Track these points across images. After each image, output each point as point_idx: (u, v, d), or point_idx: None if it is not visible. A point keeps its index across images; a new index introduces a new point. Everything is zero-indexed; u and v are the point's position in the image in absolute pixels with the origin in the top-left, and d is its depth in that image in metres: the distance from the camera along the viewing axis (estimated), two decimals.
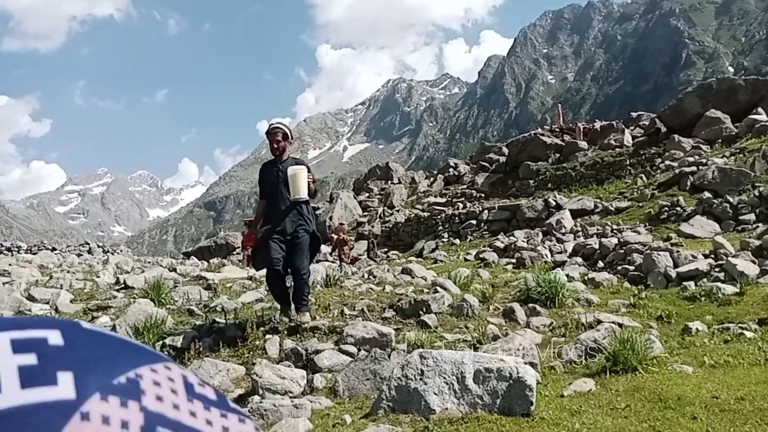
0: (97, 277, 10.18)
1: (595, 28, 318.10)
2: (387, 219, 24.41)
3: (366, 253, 20.12)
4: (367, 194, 31.12)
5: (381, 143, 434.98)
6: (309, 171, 5.09)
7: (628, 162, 19.89)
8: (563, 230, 14.08)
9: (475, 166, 28.87)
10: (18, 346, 0.30)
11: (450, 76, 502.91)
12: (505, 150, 27.11)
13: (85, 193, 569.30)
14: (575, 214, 15.58)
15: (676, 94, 27.91)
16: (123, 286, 8.27)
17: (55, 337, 0.31)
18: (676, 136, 19.27)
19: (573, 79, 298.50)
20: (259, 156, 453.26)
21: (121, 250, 27.28)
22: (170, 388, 0.32)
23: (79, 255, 21.99)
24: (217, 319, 5.68)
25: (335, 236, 14.89)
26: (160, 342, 5.11)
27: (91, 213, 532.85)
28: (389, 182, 32.44)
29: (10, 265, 14.33)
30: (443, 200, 25.07)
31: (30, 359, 0.29)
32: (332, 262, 14.26)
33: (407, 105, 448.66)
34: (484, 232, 17.79)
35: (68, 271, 11.98)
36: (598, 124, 25.67)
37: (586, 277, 7.67)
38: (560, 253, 10.68)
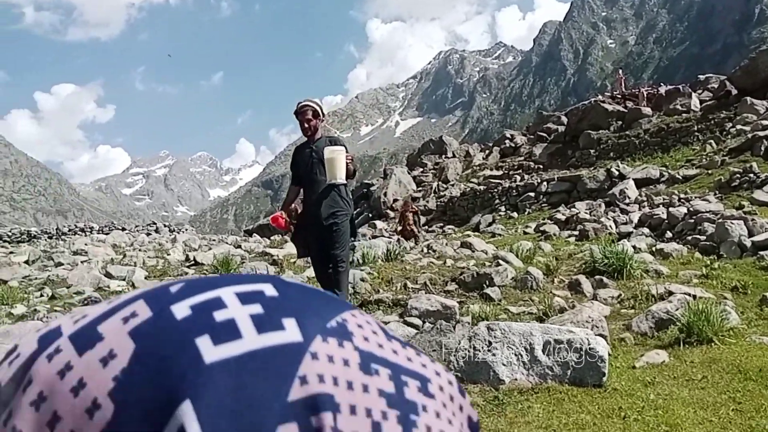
0: (168, 254, 10.66)
1: None
2: (442, 193, 24.30)
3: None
4: (421, 169, 31.00)
5: (433, 117, 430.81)
6: (346, 150, 4.61)
7: (695, 127, 18.96)
8: (627, 201, 13.64)
9: (532, 136, 28.22)
10: (243, 298, 0.33)
11: (504, 45, 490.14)
12: (564, 119, 26.35)
13: (149, 174, 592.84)
14: (639, 183, 15.05)
15: (747, 54, 26.21)
16: (193, 262, 8.63)
17: (270, 290, 0.34)
18: (748, 98, 18.18)
19: (634, 42, 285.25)
20: None
21: (186, 229, 28.34)
22: (371, 330, 0.35)
23: (148, 234, 23.01)
24: None
25: (402, 210, 14.54)
26: None
27: (156, 194, 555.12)
28: (443, 156, 32.19)
29: (86, 245, 15.20)
30: (499, 173, 24.70)
31: (257, 309, 0.32)
32: (390, 237, 14.19)
33: (459, 77, 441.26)
34: (543, 205, 17.46)
35: (140, 250, 12.59)
36: (662, 89, 24.55)
37: (653, 248, 7.43)
38: (625, 224, 10.36)
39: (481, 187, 21.30)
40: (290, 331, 0.32)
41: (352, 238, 5.03)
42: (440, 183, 26.89)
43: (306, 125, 4.61)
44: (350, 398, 0.31)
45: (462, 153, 31.99)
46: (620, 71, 30.72)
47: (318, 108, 4.65)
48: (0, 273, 9.18)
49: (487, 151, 30.59)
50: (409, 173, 29.99)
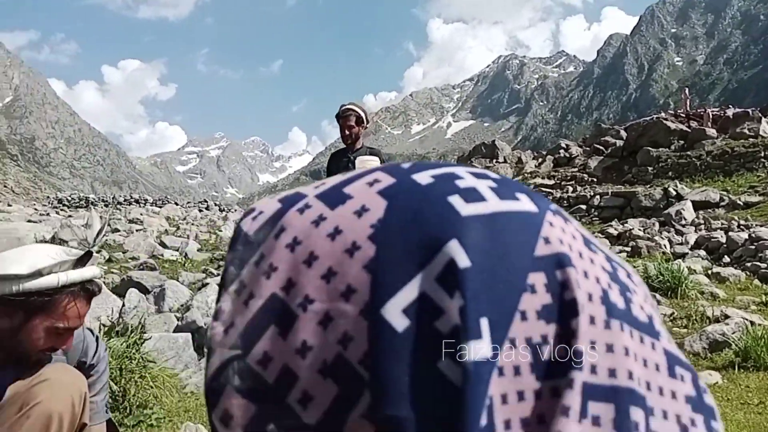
0: (219, 231, 10.97)
1: (733, 6, 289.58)
2: None
3: None
4: None
5: (487, 121, 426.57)
6: (382, 162, 3.96)
7: (762, 154, 18.17)
8: (683, 222, 13.21)
9: (588, 148, 27.63)
10: (476, 175, 0.35)
11: (566, 54, 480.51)
12: (623, 133, 25.68)
13: (203, 154, 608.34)
14: (697, 205, 14.55)
15: None
16: None
17: (492, 174, 0.36)
18: None
19: (703, 62, 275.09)
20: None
21: (235, 210, 29.02)
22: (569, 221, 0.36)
23: (200, 210, 23.68)
24: None
25: None
26: None
27: (207, 174, 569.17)
28: (494, 161, 31.85)
29: (141, 215, 15.79)
30: (551, 182, 24.28)
31: (491, 183, 0.34)
32: None
33: (517, 82, 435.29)
34: (594, 218, 17.10)
35: (193, 224, 12.99)
36: (730, 111, 23.62)
37: (709, 271, 7.20)
38: (681, 244, 10.06)
39: None
40: (525, 203, 0.34)
41: None
42: None
43: (347, 131, 4.16)
44: (583, 264, 0.33)
45: (514, 159, 31.61)
46: (686, 90, 29.67)
47: (362, 114, 4.17)
48: (61, 233, 9.66)
49: (540, 159, 30.13)
50: None
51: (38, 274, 1.35)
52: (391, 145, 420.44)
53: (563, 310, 0.31)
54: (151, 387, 2.86)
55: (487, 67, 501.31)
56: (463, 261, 0.30)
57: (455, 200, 0.32)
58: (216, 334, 0.33)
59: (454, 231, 0.31)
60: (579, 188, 20.71)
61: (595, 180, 22.58)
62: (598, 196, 17.80)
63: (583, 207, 17.79)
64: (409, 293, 0.30)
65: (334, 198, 0.34)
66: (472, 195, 0.33)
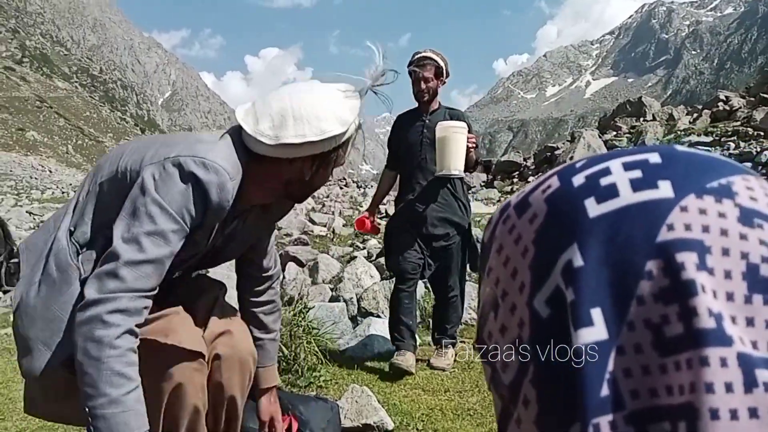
0: (361, 207, 11.49)
1: None
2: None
3: None
4: (615, 133, 28.86)
5: (630, 76, 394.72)
6: (469, 130, 3.18)
7: None
8: None
9: (753, 99, 24.65)
10: (628, 166, 0.39)
11: None
12: None
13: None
14: None
15: None
16: (384, 215, 9.21)
17: (654, 158, 0.39)
18: None
19: None
20: (495, 95, 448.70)
21: (371, 186, 29.99)
22: (764, 193, 0.38)
23: (341, 188, 24.84)
24: None
25: None
26: None
27: None
28: (641, 119, 29.55)
29: None
30: (709, 139, 22.04)
31: (636, 174, 0.38)
32: None
33: (665, 32, 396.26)
34: (763, 176, 15.36)
35: (336, 201, 13.72)
36: None
37: None
38: None
39: None
40: (663, 190, 0.37)
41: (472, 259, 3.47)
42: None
43: (422, 85, 3.20)
44: (724, 242, 0.35)
45: (664, 116, 29.10)
46: None
47: (443, 64, 3.25)
48: None
49: (695, 115, 27.44)
50: (600, 137, 28.17)
51: (344, 124, 1.37)
52: (525, 110, 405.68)
53: (682, 291, 0.34)
54: (316, 352, 3.16)
55: (630, 18, 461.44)
56: (578, 261, 0.37)
57: (589, 203, 0.38)
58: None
59: (578, 234, 0.37)
60: (743, 144, 18.60)
61: (762, 134, 20.12)
62: (766, 152, 15.91)
63: (749, 164, 16.01)
64: (549, 287, 0.38)
65: (521, 207, 0.42)
66: (606, 193, 0.38)
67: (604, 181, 0.38)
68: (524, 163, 29.70)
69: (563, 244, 0.38)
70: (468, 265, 3.46)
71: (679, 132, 25.54)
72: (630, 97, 38.17)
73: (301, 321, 3.27)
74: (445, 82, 3.31)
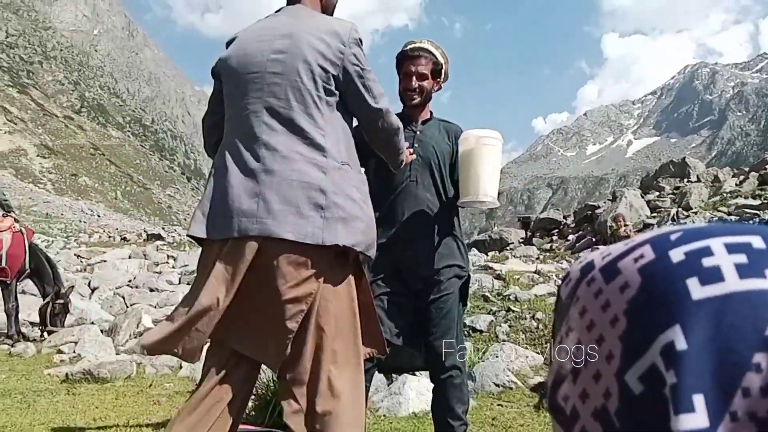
0: None
1: None
2: (682, 222, 21.94)
3: None
4: (657, 193, 28.31)
5: (673, 137, 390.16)
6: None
7: None
8: None
9: None
10: (731, 248, 0.38)
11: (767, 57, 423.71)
12: None
13: None
14: None
15: None
16: None
17: (757, 242, 0.38)
18: None
19: None
20: (534, 152, 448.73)
21: None
22: None
23: None
24: (512, 308, 5.92)
25: (617, 227, 11.96)
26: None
27: None
28: (685, 180, 28.96)
29: None
30: (757, 202, 21.40)
31: (741, 258, 0.37)
32: None
33: (708, 92, 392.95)
34: None
35: None
36: None
37: None
38: None
39: (733, 217, 18.72)
40: None
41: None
42: (680, 210, 24.31)
43: (413, 82, 2.42)
44: None
45: (709, 177, 28.47)
46: None
47: (443, 61, 2.48)
48: None
49: (741, 177, 26.79)
50: (642, 197, 27.68)
51: None
52: (564, 168, 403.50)
53: None
54: None
55: (672, 78, 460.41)
56: (681, 344, 0.35)
57: (692, 283, 0.37)
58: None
59: (680, 315, 0.36)
60: None
61: None
62: None
63: None
64: (644, 363, 0.37)
65: (609, 272, 0.42)
66: (711, 276, 0.36)
67: (707, 262, 0.37)
68: (564, 220, 29.30)
69: (663, 323, 0.37)
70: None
71: (725, 194, 24.90)
72: (673, 158, 37.59)
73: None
74: (441, 87, 2.54)
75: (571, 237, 24.64)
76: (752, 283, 0.35)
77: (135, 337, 6.01)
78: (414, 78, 2.41)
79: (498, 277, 8.28)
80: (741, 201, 22.60)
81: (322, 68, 1.64)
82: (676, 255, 0.39)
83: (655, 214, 25.20)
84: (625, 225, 12.36)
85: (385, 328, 2.22)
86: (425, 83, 2.42)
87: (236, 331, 1.59)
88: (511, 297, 6.44)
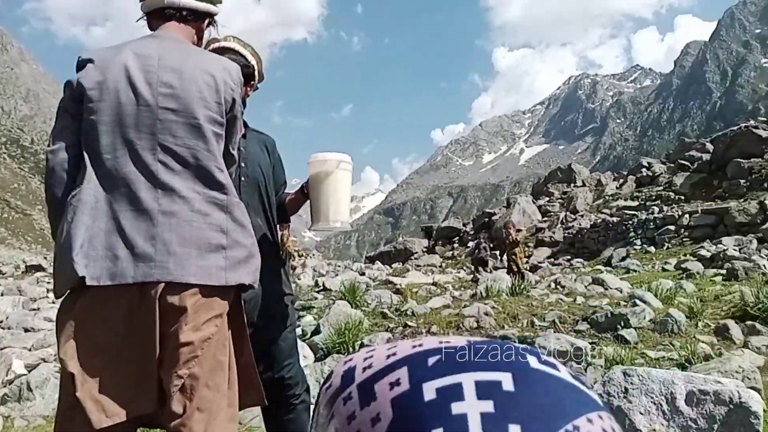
0: (299, 279, 11.27)
1: None
2: (570, 225, 23.35)
3: (477, 263, 17.56)
4: (547, 198, 30.06)
5: (561, 144, 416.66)
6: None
7: None
8: None
9: (672, 165, 26.34)
10: (480, 391, 0.36)
11: (640, 68, 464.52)
12: (710, 146, 24.33)
13: None
14: None
15: None
16: (322, 288, 9.05)
17: (507, 382, 0.36)
18: None
19: None
20: (434, 163, 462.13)
21: (314, 255, 29.71)
22: None
23: None
24: (409, 323, 5.96)
25: (507, 235, 12.40)
26: (359, 342, 5.52)
27: None
28: (572, 185, 30.98)
29: None
30: (635, 204, 23.26)
31: (489, 407, 0.35)
32: (489, 271, 13.29)
33: (591, 102, 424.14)
34: (684, 239, 16.16)
35: None
36: None
37: None
38: None
39: (614, 219, 20.19)
40: None
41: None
42: (568, 213, 25.88)
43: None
44: None
45: (593, 182, 30.62)
46: None
47: (254, 62, 2.19)
48: None
49: (621, 180, 29.01)
50: (533, 203, 29.22)
51: None
52: (463, 177, 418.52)
53: None
54: None
55: (558, 89, 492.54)
56: None
57: None
58: None
59: None
60: (666, 208, 19.69)
61: (682, 198, 21.43)
62: (687, 215, 16.85)
63: (672, 228, 16.87)
64: None
65: (365, 394, 0.39)
66: (456, 429, 0.34)
67: (456, 409, 0.35)
68: (464, 228, 30.34)
69: None
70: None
71: (607, 197, 26.85)
72: (561, 164, 40.04)
73: None
74: (257, 88, 2.23)
75: (471, 244, 25.54)
76: None
77: (5, 386, 5.42)
78: None
79: (397, 291, 8.35)
80: (621, 203, 24.47)
81: (218, 106, 1.58)
82: (429, 391, 0.36)
83: (546, 219, 26.70)
84: (517, 231, 12.87)
85: None
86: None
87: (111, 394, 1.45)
88: (408, 312, 6.49)
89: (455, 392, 0.36)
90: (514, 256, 11.76)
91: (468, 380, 0.37)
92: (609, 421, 0.37)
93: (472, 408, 0.35)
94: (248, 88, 2.15)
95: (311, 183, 2.13)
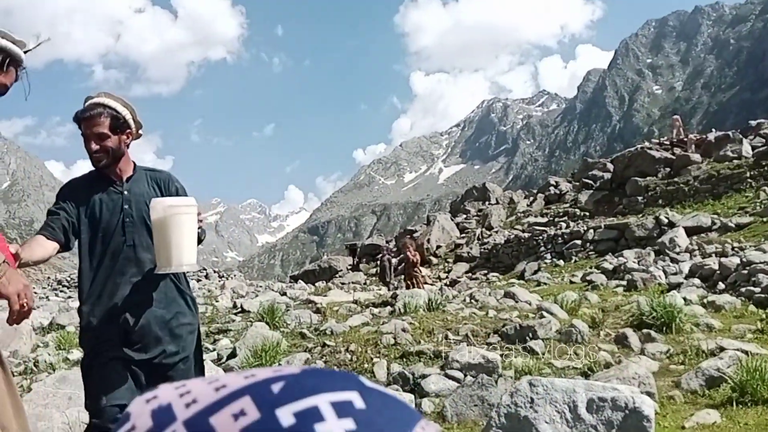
0: (216, 301, 10.93)
1: (704, 33, 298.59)
2: (485, 240, 24.15)
3: (380, 277, 18.28)
4: (465, 215, 30.96)
5: (477, 164, 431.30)
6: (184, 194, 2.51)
7: (748, 174, 18.41)
8: (677, 249, 13.26)
9: (577, 183, 27.91)
10: (338, 410, 0.36)
11: (547, 93, 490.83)
12: (610, 166, 26.02)
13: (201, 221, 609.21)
14: (690, 231, 14.63)
15: None
16: (240, 310, 8.83)
17: (358, 401, 0.37)
18: None
19: (681, 88, 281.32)
20: (358, 181, 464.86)
21: (235, 275, 28.93)
22: None
23: (198, 281, 23.61)
24: (328, 342, 5.94)
25: (407, 253, 12.89)
26: (277, 364, 5.43)
27: (206, 240, 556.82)
28: (487, 203, 32.09)
29: None
30: (544, 220, 24.43)
31: (350, 424, 0.35)
32: (432, 284, 13.84)
33: (503, 124, 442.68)
34: (590, 253, 17.12)
35: None
36: (711, 135, 24.01)
37: (705, 300, 7.20)
38: (675, 274, 10.06)
39: (526, 234, 21.08)
40: None
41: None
42: (484, 230, 26.77)
43: (93, 145, 2.26)
44: None
45: (506, 199, 31.86)
46: (678, 117, 29.87)
47: (125, 112, 2.33)
48: (59, 318, 9.61)
49: (531, 198, 30.39)
50: (452, 220, 30.01)
51: None
52: (386, 195, 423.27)
53: None
54: None
55: (472, 112, 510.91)
56: None
57: None
58: None
59: None
60: (572, 223, 20.83)
61: (587, 214, 22.74)
62: (591, 230, 17.88)
63: (578, 242, 17.84)
64: None
65: (200, 430, 0.34)
66: None
67: (321, 429, 0.34)
68: (387, 245, 30.65)
69: None
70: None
71: (519, 214, 28.04)
72: (477, 182, 41.40)
73: None
74: (138, 135, 2.41)
75: (394, 260, 25.84)
76: None
77: None
78: (93, 141, 2.27)
79: (317, 311, 8.29)
80: (532, 219, 25.63)
81: None
82: (285, 416, 0.35)
83: (463, 235, 27.48)
84: (416, 250, 13.40)
85: (113, 397, 2.17)
86: (108, 143, 2.28)
87: None
88: (327, 331, 6.46)
89: (314, 414, 0.35)
90: (414, 275, 12.35)
91: (323, 402, 0.36)
92: (431, 427, 0.39)
93: (335, 428, 0.35)
94: (123, 137, 2.33)
95: (154, 228, 2.22)
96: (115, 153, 2.30)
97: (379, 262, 15.74)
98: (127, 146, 2.36)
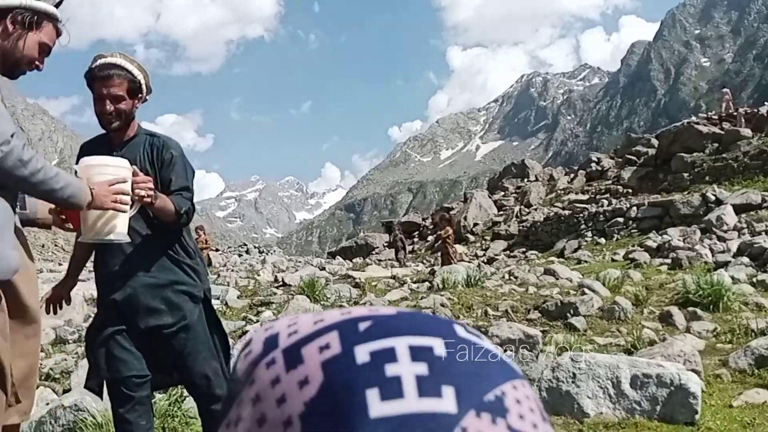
0: (258, 275, 11.17)
1: (758, 0, 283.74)
2: (524, 218, 23.87)
3: (396, 254, 18.96)
4: (503, 193, 30.63)
5: (515, 140, 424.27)
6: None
7: None
8: (725, 227, 12.84)
9: (620, 159, 27.22)
10: (414, 353, 0.36)
11: (589, 67, 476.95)
12: (655, 141, 25.26)
13: (241, 198, 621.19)
14: (738, 209, 14.13)
15: None
16: (281, 283, 9.01)
17: (439, 347, 0.37)
18: None
19: (731, 60, 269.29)
20: (393, 159, 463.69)
21: (274, 251, 29.40)
22: (528, 407, 0.37)
23: (239, 255, 24.10)
24: None
25: (441, 231, 12.97)
26: None
27: (246, 217, 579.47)
28: (525, 180, 31.66)
29: None
30: (585, 197, 23.96)
31: (423, 369, 0.35)
32: (470, 261, 13.75)
33: (543, 99, 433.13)
34: (632, 231, 16.75)
35: (232, 270, 13.26)
36: (764, 109, 23.00)
37: (754, 279, 6.98)
38: (722, 252, 9.77)
39: (566, 212, 20.74)
40: (447, 401, 0.34)
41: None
42: (522, 207, 26.44)
43: (108, 106, 2.19)
44: None
45: (545, 176, 31.36)
46: (728, 90, 28.66)
47: (140, 77, 2.26)
48: None
49: (572, 175, 29.79)
50: (489, 197, 29.73)
51: None
52: (422, 173, 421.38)
53: None
54: None
55: (511, 87, 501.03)
56: None
57: (371, 396, 0.34)
58: None
59: None
60: (614, 201, 20.36)
61: (630, 191, 22.19)
62: (634, 208, 17.47)
63: (620, 220, 17.46)
64: None
65: (292, 358, 0.37)
66: (392, 389, 0.34)
67: (390, 371, 0.35)
68: (423, 222, 30.63)
69: None
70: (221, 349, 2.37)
71: (559, 191, 27.55)
72: (515, 159, 40.82)
73: (176, 411, 3.05)
74: (146, 99, 2.32)
75: (430, 238, 25.83)
76: (428, 404, 0.34)
77: None
78: (108, 101, 2.16)
79: (356, 285, 8.39)
80: (572, 197, 25.16)
81: None
82: (362, 353, 0.36)
83: (501, 212, 27.22)
84: (448, 225, 13.19)
85: (115, 364, 2.18)
86: (123, 105, 2.18)
87: None
88: (366, 305, 6.54)
89: (389, 355, 0.36)
90: (446, 251, 12.33)
91: (401, 344, 0.37)
92: (528, 389, 0.38)
93: (406, 369, 0.36)
94: (136, 101, 2.25)
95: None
96: (127, 117, 2.23)
97: (392, 240, 15.96)
98: (132, 112, 2.27)
